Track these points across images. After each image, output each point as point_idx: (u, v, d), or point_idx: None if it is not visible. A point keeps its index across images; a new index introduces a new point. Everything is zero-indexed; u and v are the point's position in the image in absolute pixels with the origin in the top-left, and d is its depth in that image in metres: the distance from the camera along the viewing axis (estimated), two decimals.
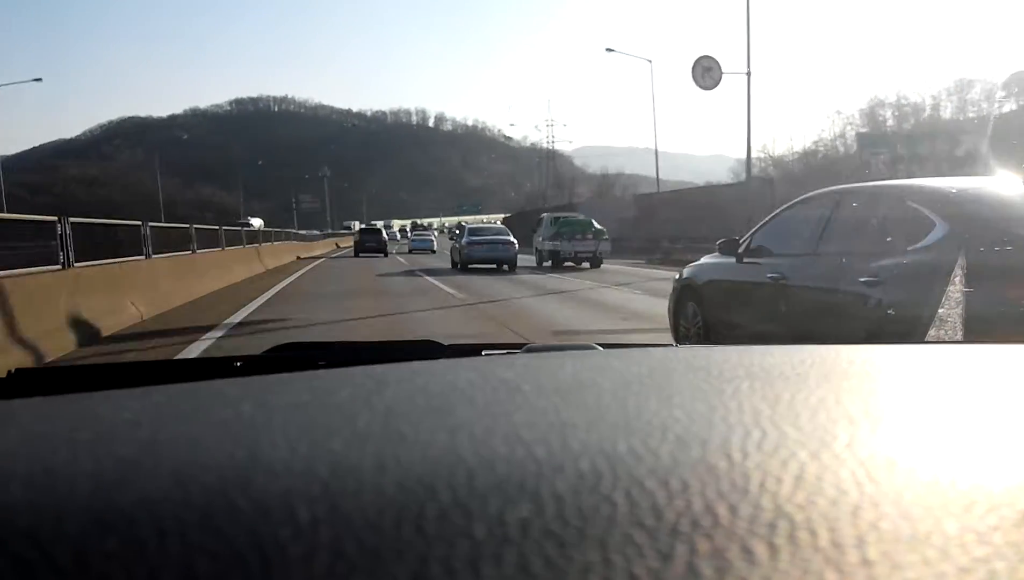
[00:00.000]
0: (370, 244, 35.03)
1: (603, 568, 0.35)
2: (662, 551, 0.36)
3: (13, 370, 1.03)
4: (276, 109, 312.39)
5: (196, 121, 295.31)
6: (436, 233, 66.04)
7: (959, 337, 1.93)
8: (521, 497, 0.41)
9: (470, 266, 21.31)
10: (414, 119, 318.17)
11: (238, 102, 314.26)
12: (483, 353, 1.14)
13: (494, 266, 21.54)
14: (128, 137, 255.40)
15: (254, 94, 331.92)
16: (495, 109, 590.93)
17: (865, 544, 0.36)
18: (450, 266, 23.40)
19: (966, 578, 0.34)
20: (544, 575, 0.35)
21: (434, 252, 39.60)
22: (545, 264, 22.93)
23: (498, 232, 22.78)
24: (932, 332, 2.07)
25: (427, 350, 1.18)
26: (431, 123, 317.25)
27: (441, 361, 0.95)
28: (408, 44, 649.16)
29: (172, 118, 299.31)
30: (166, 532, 0.38)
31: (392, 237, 41.67)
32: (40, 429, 0.62)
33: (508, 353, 1.11)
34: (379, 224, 63.93)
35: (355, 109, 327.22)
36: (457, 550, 0.36)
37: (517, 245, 21.89)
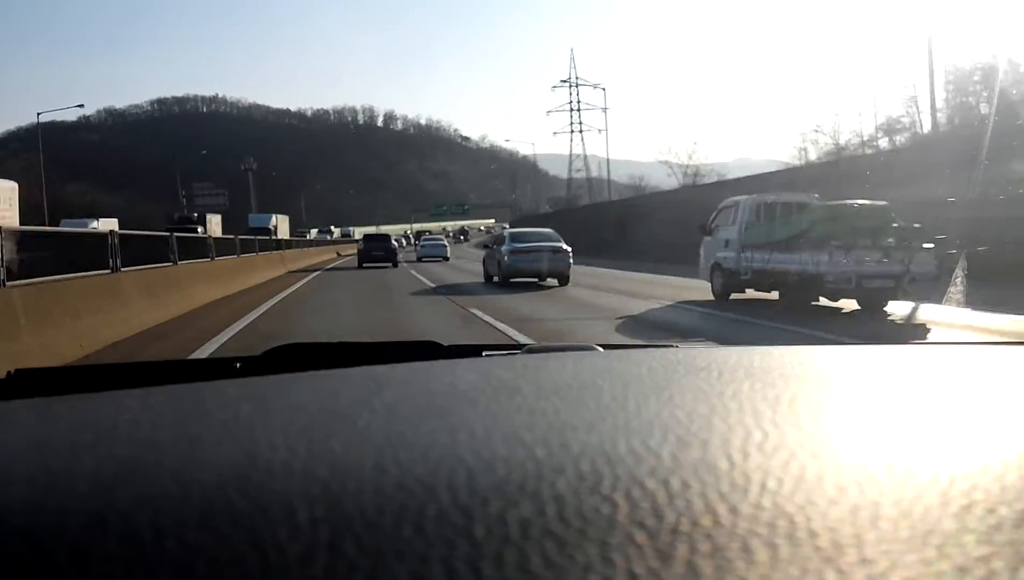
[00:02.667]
0: (377, 253, 29.01)
1: (603, 568, 0.35)
2: (662, 551, 0.36)
3: (13, 370, 1.01)
4: (204, 110, 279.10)
5: (112, 123, 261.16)
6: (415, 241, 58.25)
7: None
8: (521, 498, 0.40)
9: (512, 281, 16.48)
10: (360, 118, 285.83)
11: (160, 102, 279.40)
12: (483, 354, 1.13)
13: (535, 280, 16.46)
14: (25, 141, 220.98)
15: (179, 93, 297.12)
16: (449, 107, 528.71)
17: (864, 544, 0.36)
18: (482, 280, 18.27)
19: (965, 578, 0.34)
20: (544, 575, 0.34)
21: (447, 259, 34.53)
22: (736, 293, 12.02)
23: (545, 237, 17.19)
24: None
25: (427, 351, 1.16)
26: (379, 122, 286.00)
27: (441, 362, 0.94)
28: (351, 37, 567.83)
29: (83, 120, 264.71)
30: (166, 532, 0.38)
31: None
32: (40, 429, 0.62)
33: (508, 354, 1.09)
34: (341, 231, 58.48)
35: (294, 108, 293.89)
36: (457, 550, 0.36)
37: (571, 253, 16.54)
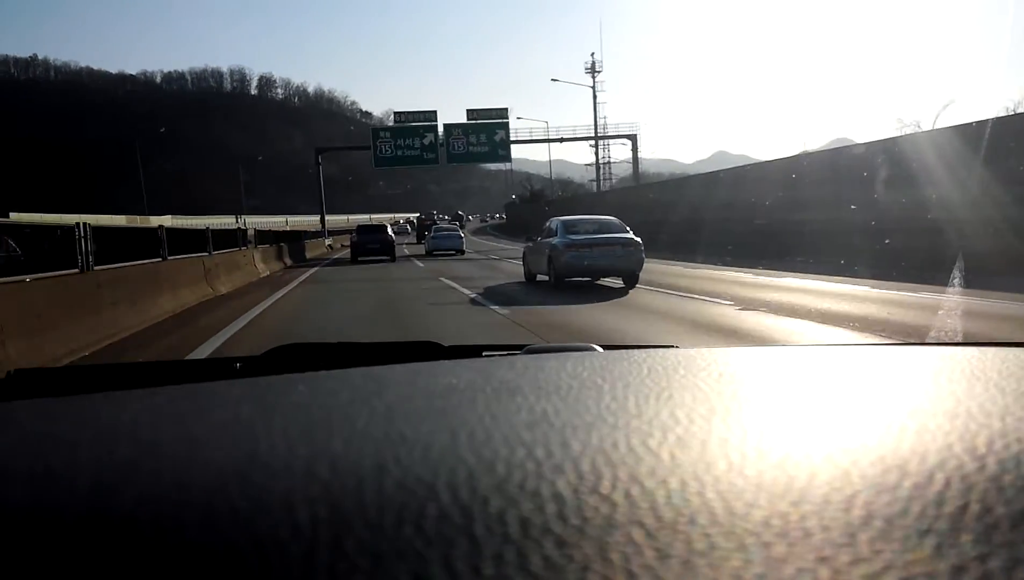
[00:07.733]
0: (372, 245, 26.46)
1: (602, 566, 0.35)
2: (660, 550, 0.36)
3: (13, 371, 1.02)
4: (20, 77, 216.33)
5: None
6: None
7: None
8: (521, 497, 0.41)
9: (567, 280, 12.97)
10: (228, 83, 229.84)
11: None
12: (483, 354, 1.12)
13: (587, 279, 13.13)
14: None
15: None
16: (343, 74, 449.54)
17: (859, 543, 0.37)
18: (522, 281, 14.77)
19: (961, 576, 0.34)
20: (544, 574, 0.35)
21: (463, 253, 29.71)
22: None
23: (608, 226, 13.37)
24: None
25: (427, 351, 1.16)
26: (253, 89, 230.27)
27: (441, 362, 0.95)
28: None
29: None
30: (166, 532, 0.38)
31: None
32: (40, 430, 0.62)
33: (508, 354, 1.09)
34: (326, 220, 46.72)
35: (137, 72, 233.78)
36: (457, 549, 0.36)
37: (643, 246, 12.80)
